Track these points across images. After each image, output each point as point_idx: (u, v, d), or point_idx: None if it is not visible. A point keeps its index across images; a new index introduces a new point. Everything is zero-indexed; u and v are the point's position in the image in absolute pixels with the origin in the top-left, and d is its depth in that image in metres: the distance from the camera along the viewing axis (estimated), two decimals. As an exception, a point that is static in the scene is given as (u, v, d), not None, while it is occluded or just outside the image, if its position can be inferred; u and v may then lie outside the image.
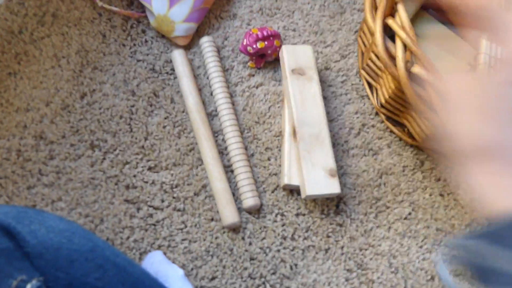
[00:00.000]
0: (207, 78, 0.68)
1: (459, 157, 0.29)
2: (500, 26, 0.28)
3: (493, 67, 0.51)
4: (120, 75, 0.68)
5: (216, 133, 0.65)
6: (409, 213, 0.62)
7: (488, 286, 0.27)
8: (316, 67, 0.65)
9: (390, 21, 0.55)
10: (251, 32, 0.66)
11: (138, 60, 0.69)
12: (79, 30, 0.70)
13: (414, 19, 0.64)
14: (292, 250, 0.60)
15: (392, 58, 0.55)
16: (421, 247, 0.61)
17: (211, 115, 0.66)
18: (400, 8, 0.54)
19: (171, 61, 0.69)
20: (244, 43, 0.66)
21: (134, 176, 0.62)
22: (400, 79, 0.53)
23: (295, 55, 0.65)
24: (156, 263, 0.52)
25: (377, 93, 0.66)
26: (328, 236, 0.61)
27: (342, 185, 0.63)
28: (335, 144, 0.65)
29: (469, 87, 0.30)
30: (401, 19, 0.54)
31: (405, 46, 0.53)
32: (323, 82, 0.69)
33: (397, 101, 0.60)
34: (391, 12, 0.57)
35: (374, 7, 0.59)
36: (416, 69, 0.52)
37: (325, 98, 0.68)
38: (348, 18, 0.73)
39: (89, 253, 0.35)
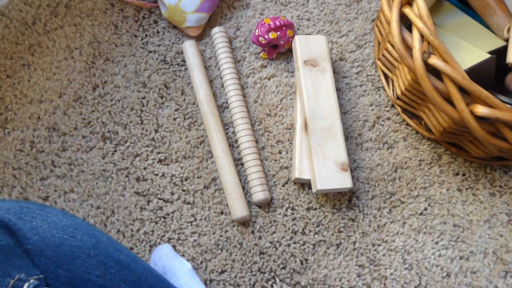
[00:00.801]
0: (218, 69, 0.67)
1: None
2: None
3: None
4: (131, 67, 0.68)
5: (227, 126, 0.64)
6: (425, 209, 0.60)
7: None
8: (330, 58, 0.63)
9: (407, 10, 0.52)
10: (263, 22, 0.65)
11: (150, 51, 0.69)
12: (92, 21, 0.70)
13: (434, 8, 0.61)
14: (303, 244, 0.59)
15: (409, 48, 0.53)
16: (437, 243, 0.59)
17: (222, 107, 0.66)
18: (418, -4, 0.52)
19: (182, 52, 0.69)
20: (256, 34, 0.65)
21: (145, 168, 0.62)
22: (416, 70, 0.51)
23: (308, 46, 0.63)
24: (164, 257, 0.52)
25: (393, 85, 0.63)
26: (340, 231, 0.59)
27: (355, 179, 0.62)
28: (348, 137, 0.63)
29: None
30: (419, 8, 0.51)
31: (422, 36, 0.51)
32: (337, 73, 0.67)
33: (413, 93, 0.58)
34: (409, 0, 0.54)
35: (391, -5, 0.57)
36: (433, 60, 0.49)
37: (339, 89, 0.66)
38: (365, 6, 0.70)
39: (91, 249, 0.35)
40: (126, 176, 0.62)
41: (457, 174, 0.62)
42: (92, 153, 0.63)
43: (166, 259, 0.52)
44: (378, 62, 0.65)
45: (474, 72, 0.52)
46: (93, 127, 0.64)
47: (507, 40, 0.56)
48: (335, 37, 0.69)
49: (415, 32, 0.51)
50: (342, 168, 0.57)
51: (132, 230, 0.59)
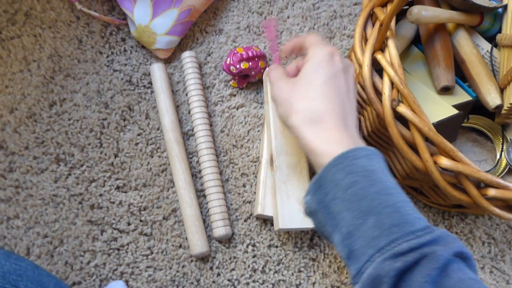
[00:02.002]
0: (186, 95, 0.65)
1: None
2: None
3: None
4: (94, 85, 0.64)
5: (191, 154, 0.62)
6: (384, 251, 0.61)
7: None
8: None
9: (379, 56, 0.53)
10: (235, 51, 0.63)
11: (115, 70, 0.66)
12: (54, 33, 0.66)
13: (404, 54, 0.63)
14: (262, 283, 0.57)
15: (379, 93, 0.53)
16: None
17: (187, 135, 0.63)
18: (391, 43, 0.53)
19: (149, 74, 0.66)
20: (228, 62, 0.63)
21: (101, 195, 0.59)
22: (385, 116, 0.51)
23: None
24: (115, 295, 0.49)
25: (360, 125, 0.64)
26: (300, 271, 0.58)
27: (318, 218, 0.61)
28: (314, 174, 0.63)
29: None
30: (391, 56, 0.52)
31: (392, 84, 0.51)
32: (306, 108, 0.67)
33: (379, 137, 0.59)
34: (381, 46, 0.55)
35: (364, 39, 0.57)
36: (401, 109, 0.50)
37: (307, 125, 0.66)
38: (337, 43, 0.71)
39: (35, 300, 0.32)
40: (80, 203, 0.58)
41: (417, 217, 0.63)
42: (43, 175, 0.58)
43: (117, 298, 0.49)
44: (347, 101, 0.66)
45: (441, 126, 0.53)
46: (46, 147, 0.60)
47: (441, 92, 0.58)
48: (306, 72, 0.69)
49: (386, 79, 0.51)
50: (305, 205, 0.56)
51: (81, 262, 0.55)
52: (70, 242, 0.56)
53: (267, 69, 0.61)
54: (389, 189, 0.35)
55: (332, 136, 0.41)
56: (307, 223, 0.55)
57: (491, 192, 0.50)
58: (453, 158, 0.49)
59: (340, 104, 0.44)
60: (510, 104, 0.52)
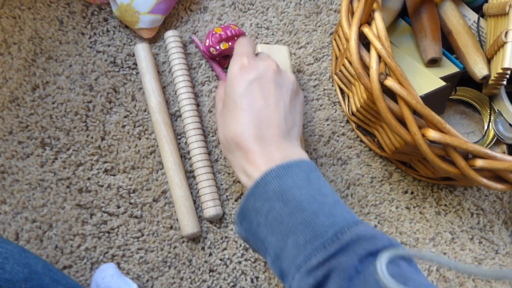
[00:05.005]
0: (172, 75, 0.64)
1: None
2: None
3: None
4: (77, 67, 0.63)
5: (179, 136, 0.62)
6: (375, 226, 0.61)
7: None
8: (291, 69, 0.62)
9: (366, 30, 0.52)
10: (214, 32, 0.62)
11: (98, 52, 0.64)
12: (34, 14, 0.64)
13: (391, 27, 0.62)
14: (254, 262, 0.58)
15: (366, 67, 0.53)
16: (384, 259, 0.60)
17: (175, 116, 0.63)
18: (377, 16, 0.52)
19: (134, 55, 0.65)
20: (207, 44, 0.62)
21: (88, 178, 0.58)
22: (373, 91, 0.51)
23: (271, 55, 0.62)
24: (108, 278, 0.49)
25: (349, 100, 0.63)
26: (292, 248, 0.59)
27: (309, 195, 0.61)
28: (303, 152, 0.63)
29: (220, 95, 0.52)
30: (378, 29, 0.51)
31: (380, 57, 0.51)
32: (294, 85, 0.66)
33: (368, 111, 0.58)
34: (368, 19, 0.54)
35: (351, 12, 0.56)
36: (389, 82, 0.49)
37: (295, 102, 0.65)
38: (324, 19, 0.70)
39: (23, 282, 0.31)
40: (67, 187, 0.57)
41: (406, 192, 0.63)
42: (29, 160, 0.58)
43: (109, 280, 0.49)
44: (335, 77, 0.65)
45: (429, 98, 0.53)
46: (31, 131, 0.59)
47: (428, 64, 0.57)
48: (294, 48, 0.68)
49: (373, 53, 0.51)
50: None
51: (72, 246, 0.55)
52: (59, 226, 0.55)
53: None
54: (301, 204, 0.36)
55: (248, 161, 0.40)
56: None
57: (479, 162, 0.50)
58: (441, 130, 0.49)
59: (255, 120, 0.42)
60: (497, 74, 0.52)
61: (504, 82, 0.54)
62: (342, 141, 0.64)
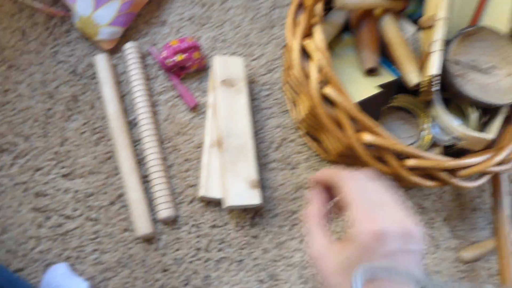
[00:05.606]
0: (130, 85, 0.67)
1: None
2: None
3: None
4: (38, 76, 0.65)
5: (136, 143, 0.64)
6: (323, 226, 0.65)
7: None
8: (246, 80, 0.66)
9: (306, 42, 0.57)
10: (169, 44, 0.66)
11: (59, 62, 0.67)
12: (-4, 26, 0.67)
13: (336, 40, 0.67)
14: (206, 261, 0.60)
15: (308, 77, 0.57)
16: (333, 259, 0.63)
17: (132, 124, 0.65)
18: (317, 29, 0.56)
19: (94, 65, 0.67)
20: (163, 56, 0.66)
21: (46, 183, 0.60)
22: (313, 98, 0.55)
23: (227, 66, 0.66)
24: (58, 277, 0.51)
25: (296, 109, 0.67)
26: (242, 248, 0.61)
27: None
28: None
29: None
30: (316, 41, 0.56)
31: (319, 67, 0.55)
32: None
33: (312, 118, 0.62)
34: (310, 32, 0.58)
35: (296, 26, 0.61)
36: (327, 90, 0.54)
37: (249, 110, 0.69)
38: (276, 33, 0.74)
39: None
40: (24, 191, 0.59)
41: (353, 194, 0.67)
42: (-13, 166, 0.59)
43: (60, 279, 0.51)
44: (285, 87, 0.69)
45: (365, 104, 0.57)
46: (-11, 138, 0.61)
47: (368, 73, 0.62)
48: (248, 60, 0.72)
49: (312, 63, 0.55)
50: (252, 185, 0.60)
51: (25, 249, 0.56)
52: (13, 230, 0.57)
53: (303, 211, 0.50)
54: None
55: None
56: (254, 200, 0.59)
57: (410, 162, 0.54)
58: (375, 133, 0.53)
59: None
60: (423, 81, 0.57)
61: (435, 89, 0.58)
62: (291, 147, 0.68)
